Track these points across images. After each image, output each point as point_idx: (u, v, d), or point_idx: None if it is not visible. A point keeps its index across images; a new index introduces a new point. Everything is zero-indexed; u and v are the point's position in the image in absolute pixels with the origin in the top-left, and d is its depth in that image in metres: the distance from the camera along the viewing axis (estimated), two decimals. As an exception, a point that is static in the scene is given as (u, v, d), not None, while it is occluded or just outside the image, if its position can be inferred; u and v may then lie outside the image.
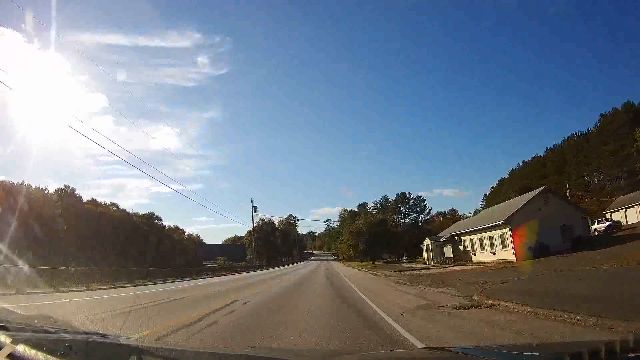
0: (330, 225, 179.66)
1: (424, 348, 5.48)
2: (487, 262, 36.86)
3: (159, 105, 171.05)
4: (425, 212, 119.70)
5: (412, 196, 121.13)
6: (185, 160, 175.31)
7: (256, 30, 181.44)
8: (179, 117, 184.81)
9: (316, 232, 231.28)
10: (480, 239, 41.86)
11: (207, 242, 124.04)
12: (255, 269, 70.65)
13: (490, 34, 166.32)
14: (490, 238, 39.62)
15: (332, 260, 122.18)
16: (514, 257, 34.58)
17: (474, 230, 43.23)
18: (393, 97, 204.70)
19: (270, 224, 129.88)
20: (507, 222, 36.15)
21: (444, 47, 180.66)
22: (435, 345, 6.21)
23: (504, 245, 37.13)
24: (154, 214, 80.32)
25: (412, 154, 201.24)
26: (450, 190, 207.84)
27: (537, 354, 2.29)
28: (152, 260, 50.38)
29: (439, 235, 56.98)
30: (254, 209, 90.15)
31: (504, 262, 33.81)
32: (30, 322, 3.20)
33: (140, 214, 76.75)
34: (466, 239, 45.91)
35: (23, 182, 52.14)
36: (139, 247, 57.06)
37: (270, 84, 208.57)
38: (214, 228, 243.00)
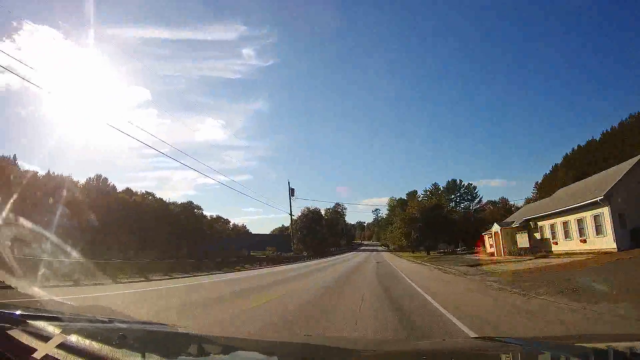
0: (379, 214, 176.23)
1: (475, 337, 5.49)
2: (577, 253, 29.28)
3: (205, 97, 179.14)
4: (476, 201, 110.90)
5: (462, 184, 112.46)
6: (232, 152, 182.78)
7: (302, 21, 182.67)
8: (225, 109, 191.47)
9: (365, 222, 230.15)
10: (564, 224, 33.78)
11: (253, 233, 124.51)
12: (297, 260, 65.47)
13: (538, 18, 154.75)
14: (579, 222, 31.64)
15: (382, 251, 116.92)
16: (614, 245, 26.80)
17: (555, 213, 34.90)
18: (440, 86, 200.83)
19: (316, 212, 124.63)
20: (607, 199, 27.76)
21: (495, 34, 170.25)
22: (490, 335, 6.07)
23: (598, 231, 29.10)
24: (192, 203, 77.98)
25: (459, 144, 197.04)
26: (497, 180, 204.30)
27: (584, 345, 2.23)
28: (196, 251, 51.87)
29: (507, 220, 48.67)
30: (292, 191, 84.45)
31: (600, 253, 26.47)
32: (83, 313, 3.33)
33: (179, 202, 74.99)
34: (544, 224, 37.72)
35: (68, 175, 54.22)
36: (179, 237, 56.33)
37: (316, 74, 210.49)
38: (263, 219, 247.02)
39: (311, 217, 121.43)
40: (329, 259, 65.31)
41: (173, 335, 2.86)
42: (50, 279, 16.56)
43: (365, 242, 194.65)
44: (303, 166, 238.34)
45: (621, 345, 1.73)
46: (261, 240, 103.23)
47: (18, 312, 2.23)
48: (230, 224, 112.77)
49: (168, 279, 26.26)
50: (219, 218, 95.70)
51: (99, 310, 5.92)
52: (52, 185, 44.29)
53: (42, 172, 53.14)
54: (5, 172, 45.50)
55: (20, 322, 2.03)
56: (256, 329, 7.98)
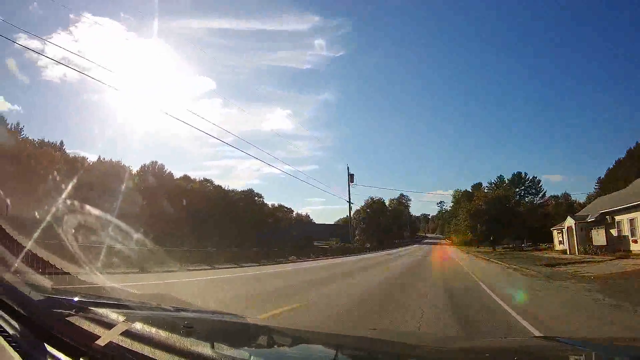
0: (443, 207, 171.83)
1: (536, 337, 5.73)
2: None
3: (273, 88, 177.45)
4: (539, 195, 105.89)
5: (527, 177, 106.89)
6: (298, 142, 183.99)
7: (376, 12, 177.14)
8: (293, 100, 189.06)
9: (429, 215, 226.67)
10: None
11: (317, 222, 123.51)
12: (359, 252, 64.39)
13: None
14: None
15: (446, 244, 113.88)
16: None
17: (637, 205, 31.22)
18: (507, 80, 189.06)
19: (379, 202, 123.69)
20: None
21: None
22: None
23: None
24: (253, 191, 75.94)
25: (523, 137, 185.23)
26: (557, 176, 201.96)
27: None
28: (257, 240, 50.36)
29: (580, 214, 45.09)
30: (351, 177, 77.98)
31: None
32: (148, 301, 3.22)
33: (239, 190, 73.08)
34: (622, 218, 34.06)
35: (126, 164, 54.62)
36: (238, 225, 55.10)
37: (385, 65, 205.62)
38: (327, 209, 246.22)
39: (375, 208, 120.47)
40: (391, 251, 63.59)
41: (242, 325, 2.85)
42: (115, 266, 16.61)
43: (429, 235, 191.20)
44: (368, 157, 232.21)
45: None
46: (324, 230, 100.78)
47: (78, 299, 2.24)
48: (294, 213, 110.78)
49: (235, 267, 26.15)
50: (281, 207, 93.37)
51: (164, 298, 5.91)
52: (111, 172, 45.14)
53: (100, 159, 54.89)
54: (67, 159, 47.22)
55: (81, 309, 2.05)
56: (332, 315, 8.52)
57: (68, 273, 8.18)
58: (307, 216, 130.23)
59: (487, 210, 67.60)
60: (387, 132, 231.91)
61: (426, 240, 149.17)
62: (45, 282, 3.28)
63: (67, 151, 54.72)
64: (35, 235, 7.44)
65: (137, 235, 17.73)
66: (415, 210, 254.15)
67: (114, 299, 3.00)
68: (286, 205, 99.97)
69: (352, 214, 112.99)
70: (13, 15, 79.82)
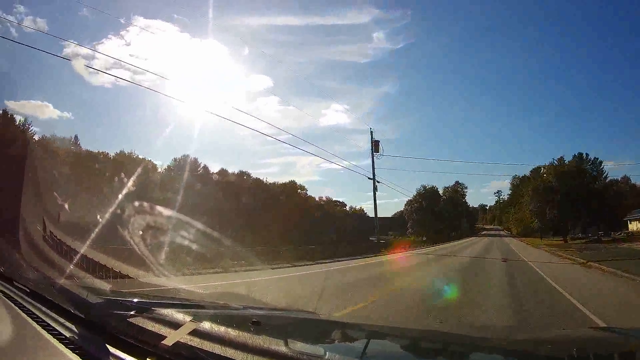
0: (501, 196, 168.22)
1: (593, 327, 5.88)
2: None
3: (332, 82, 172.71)
4: (602, 177, 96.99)
5: (589, 158, 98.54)
6: (359, 136, 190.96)
7: (435, 2, 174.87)
8: (352, 93, 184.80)
9: (487, 205, 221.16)
10: None
11: (371, 216, 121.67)
12: (416, 246, 60.30)
13: None
14: None
15: (505, 236, 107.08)
16: None
17: None
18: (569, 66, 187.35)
19: (433, 191, 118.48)
20: None
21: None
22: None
23: None
24: (295, 183, 73.73)
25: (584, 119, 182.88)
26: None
27: None
28: (304, 236, 49.95)
29: None
30: (375, 145, 52.27)
31: None
32: (215, 300, 3.59)
33: (280, 182, 71.86)
34: None
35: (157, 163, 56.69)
36: (280, 220, 54.00)
37: (446, 55, 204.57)
38: (388, 203, 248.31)
39: (428, 196, 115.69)
40: (446, 246, 57.49)
41: (313, 321, 2.86)
42: (185, 265, 16.76)
43: (487, 227, 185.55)
44: (428, 149, 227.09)
45: None
46: (381, 224, 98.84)
47: (138, 300, 2.30)
48: (347, 207, 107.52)
49: (290, 266, 24.91)
50: (330, 200, 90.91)
51: (232, 297, 5.84)
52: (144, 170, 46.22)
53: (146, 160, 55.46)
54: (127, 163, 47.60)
55: (143, 309, 2.02)
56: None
57: (127, 276, 8.26)
58: (362, 209, 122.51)
59: (559, 187, 54.90)
60: (447, 122, 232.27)
61: (484, 232, 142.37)
62: (104, 285, 3.81)
63: (130, 154, 56.05)
64: (89, 240, 7.61)
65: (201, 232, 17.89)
66: (473, 200, 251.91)
67: (177, 299, 3.05)
68: (340, 200, 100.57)
69: (373, 188, 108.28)
70: (62, 21, 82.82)
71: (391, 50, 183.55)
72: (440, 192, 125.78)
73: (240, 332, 1.76)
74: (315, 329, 2.58)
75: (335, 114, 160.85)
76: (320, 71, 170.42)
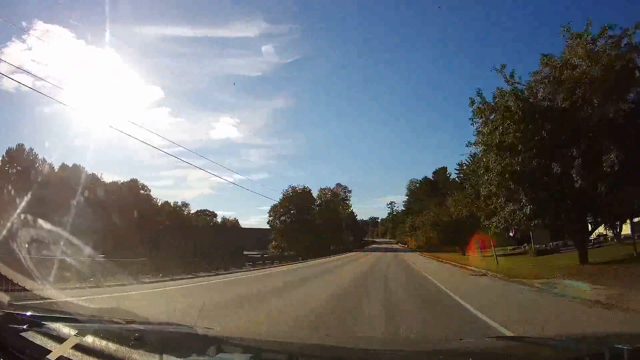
0: (395, 208, 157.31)
1: (490, 337, 5.02)
2: None
3: (225, 95, 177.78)
4: None
5: None
6: (252, 150, 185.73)
7: (324, 18, 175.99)
8: (244, 107, 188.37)
9: (378, 218, 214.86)
10: None
11: (244, 227, 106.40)
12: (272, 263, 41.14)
13: None
14: None
15: (402, 251, 78.39)
16: None
17: None
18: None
19: (304, 194, 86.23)
20: None
21: None
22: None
23: None
24: (137, 181, 69.61)
25: None
26: None
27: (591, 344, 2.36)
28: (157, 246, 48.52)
29: None
30: None
31: None
32: (100, 314, 3.32)
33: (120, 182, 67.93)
34: None
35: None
36: (128, 227, 47.64)
37: (335, 71, 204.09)
38: None
39: (298, 201, 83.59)
40: (311, 264, 38.77)
41: (191, 336, 2.79)
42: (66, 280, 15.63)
43: (379, 240, 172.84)
44: (321, 164, 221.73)
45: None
46: (263, 237, 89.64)
47: (31, 314, 2.28)
48: (216, 217, 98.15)
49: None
50: (200, 211, 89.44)
51: (116, 312, 5.73)
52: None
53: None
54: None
55: (34, 323, 2.07)
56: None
57: (25, 289, 8.14)
58: (235, 220, 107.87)
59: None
60: (340, 138, 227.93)
61: (374, 246, 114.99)
62: (3, 297, 3.48)
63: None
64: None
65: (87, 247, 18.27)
66: (365, 214, 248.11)
67: (68, 313, 3.04)
68: (209, 209, 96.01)
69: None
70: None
71: (281, 64, 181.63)
72: (316, 194, 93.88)
73: (120, 347, 1.81)
74: (192, 344, 2.52)
75: (227, 128, 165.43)
76: (213, 84, 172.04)
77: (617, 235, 25.23)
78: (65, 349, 1.71)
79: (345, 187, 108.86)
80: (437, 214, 54.17)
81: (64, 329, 2.02)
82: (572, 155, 14.10)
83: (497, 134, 15.63)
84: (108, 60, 72.41)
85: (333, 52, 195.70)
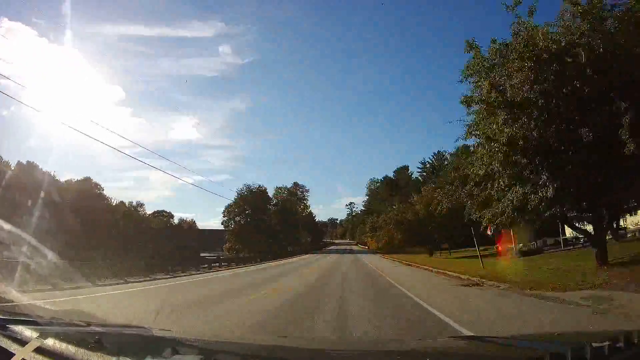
0: (354, 208, 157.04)
1: (450, 337, 5.00)
2: None
3: (184, 95, 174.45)
4: None
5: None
6: (211, 151, 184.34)
7: (278, 19, 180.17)
8: (203, 108, 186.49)
9: (337, 219, 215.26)
10: None
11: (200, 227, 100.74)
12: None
13: None
14: None
15: (361, 252, 74.22)
16: None
17: None
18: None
19: (260, 193, 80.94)
20: None
21: None
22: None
23: None
24: (91, 180, 63.58)
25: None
26: None
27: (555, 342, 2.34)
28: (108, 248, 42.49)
29: None
30: None
31: None
32: (61, 317, 3.07)
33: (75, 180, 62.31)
34: None
35: None
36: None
37: (292, 72, 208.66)
38: None
39: (253, 201, 78.21)
40: (263, 266, 37.68)
41: (149, 338, 2.76)
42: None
43: (337, 241, 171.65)
44: (280, 166, 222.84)
45: (599, 341, 1.67)
46: (211, 238, 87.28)
47: None
48: (174, 218, 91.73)
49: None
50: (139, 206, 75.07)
51: (77, 314, 5.70)
52: None
53: None
54: None
55: (1, 326, 2.07)
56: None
57: None
58: (193, 221, 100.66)
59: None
60: (299, 139, 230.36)
61: (332, 248, 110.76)
62: None
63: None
64: None
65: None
66: (324, 216, 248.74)
67: (30, 315, 2.87)
68: (167, 210, 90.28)
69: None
70: None
71: (238, 65, 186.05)
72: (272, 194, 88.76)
73: (79, 349, 1.82)
74: (149, 346, 2.51)
75: (187, 128, 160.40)
76: (172, 84, 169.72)
77: (615, 230, 21.48)
78: (27, 352, 1.73)
79: (303, 186, 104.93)
80: (401, 212, 50.32)
81: (26, 331, 2.04)
82: (616, 112, 9.87)
83: (509, 85, 11.12)
84: (69, 58, 69.93)
85: (289, 54, 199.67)
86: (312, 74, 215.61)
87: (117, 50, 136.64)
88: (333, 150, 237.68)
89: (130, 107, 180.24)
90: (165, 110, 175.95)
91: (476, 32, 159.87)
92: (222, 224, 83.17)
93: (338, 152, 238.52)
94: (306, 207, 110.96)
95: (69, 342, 1.89)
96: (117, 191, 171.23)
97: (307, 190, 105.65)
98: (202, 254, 57.65)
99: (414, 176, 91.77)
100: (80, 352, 1.79)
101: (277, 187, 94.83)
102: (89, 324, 2.70)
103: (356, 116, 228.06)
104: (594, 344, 1.63)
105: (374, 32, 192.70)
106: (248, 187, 79.95)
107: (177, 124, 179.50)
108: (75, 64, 75.68)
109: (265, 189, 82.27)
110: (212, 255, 54.45)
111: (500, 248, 25.93)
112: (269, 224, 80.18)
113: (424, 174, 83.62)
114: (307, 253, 74.88)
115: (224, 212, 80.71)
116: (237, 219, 79.35)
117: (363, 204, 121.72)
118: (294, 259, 55.34)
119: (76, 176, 63.97)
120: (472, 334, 5.68)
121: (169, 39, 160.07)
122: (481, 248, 21.70)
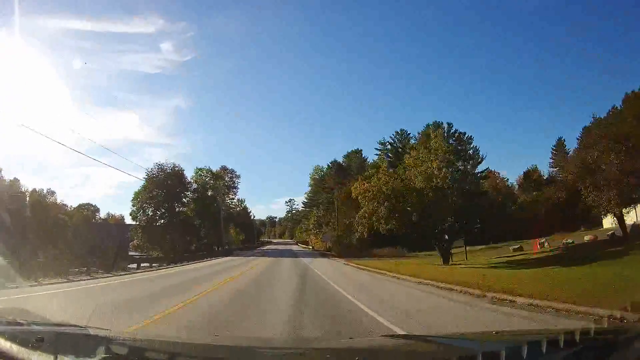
0: (294, 206, 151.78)
1: (384, 335, 5.24)
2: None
3: (125, 93, 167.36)
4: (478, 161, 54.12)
5: (455, 131, 53.28)
6: (154, 149, 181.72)
7: (218, 17, 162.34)
8: (145, 105, 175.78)
9: (276, 218, 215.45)
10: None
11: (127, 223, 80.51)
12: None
13: None
14: None
15: (303, 254, 56.98)
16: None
17: None
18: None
19: (175, 174, 62.53)
20: None
21: None
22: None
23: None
24: None
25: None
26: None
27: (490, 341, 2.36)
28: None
29: None
30: None
31: None
32: (2, 315, 3.23)
33: None
34: None
35: None
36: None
37: (233, 71, 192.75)
38: None
39: (166, 187, 60.08)
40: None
41: (85, 337, 2.82)
42: None
43: (276, 240, 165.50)
44: (220, 164, 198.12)
45: (539, 338, 1.73)
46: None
47: None
48: (99, 213, 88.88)
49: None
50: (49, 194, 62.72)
51: (17, 313, 5.37)
52: None
53: None
54: None
55: None
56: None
57: None
58: (122, 217, 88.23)
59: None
60: (240, 139, 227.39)
61: (269, 247, 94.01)
62: None
63: None
64: None
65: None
66: (263, 215, 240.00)
67: None
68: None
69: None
70: None
71: (179, 62, 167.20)
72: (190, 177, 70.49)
73: (21, 349, 1.85)
74: (85, 344, 2.54)
75: (129, 126, 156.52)
76: (115, 80, 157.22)
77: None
78: None
79: (233, 170, 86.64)
80: (390, 179, 30.95)
81: None
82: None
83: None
84: (12, 52, 65.18)
85: (230, 51, 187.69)
86: (251, 71, 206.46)
87: (61, 45, 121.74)
88: (272, 149, 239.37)
89: (75, 102, 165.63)
90: (108, 107, 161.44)
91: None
92: (130, 215, 64.38)
93: (277, 151, 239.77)
94: (241, 202, 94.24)
95: (10, 341, 1.90)
96: (61, 190, 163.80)
97: (238, 177, 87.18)
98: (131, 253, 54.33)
99: (370, 160, 77.59)
100: (22, 350, 1.81)
101: (197, 168, 76.41)
102: (28, 323, 2.76)
103: (294, 114, 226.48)
104: (530, 342, 1.66)
105: (311, 29, 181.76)
106: (160, 166, 61.50)
107: (122, 122, 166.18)
108: (17, 57, 65.79)
109: (183, 171, 63.89)
110: (137, 254, 49.94)
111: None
112: (186, 216, 62.70)
113: (389, 156, 69.55)
114: (230, 255, 57.05)
115: (132, 199, 62.08)
116: (146, 208, 61.07)
117: (305, 196, 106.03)
118: (212, 262, 40.15)
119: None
120: (404, 333, 5.87)
121: (113, 34, 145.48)
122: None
